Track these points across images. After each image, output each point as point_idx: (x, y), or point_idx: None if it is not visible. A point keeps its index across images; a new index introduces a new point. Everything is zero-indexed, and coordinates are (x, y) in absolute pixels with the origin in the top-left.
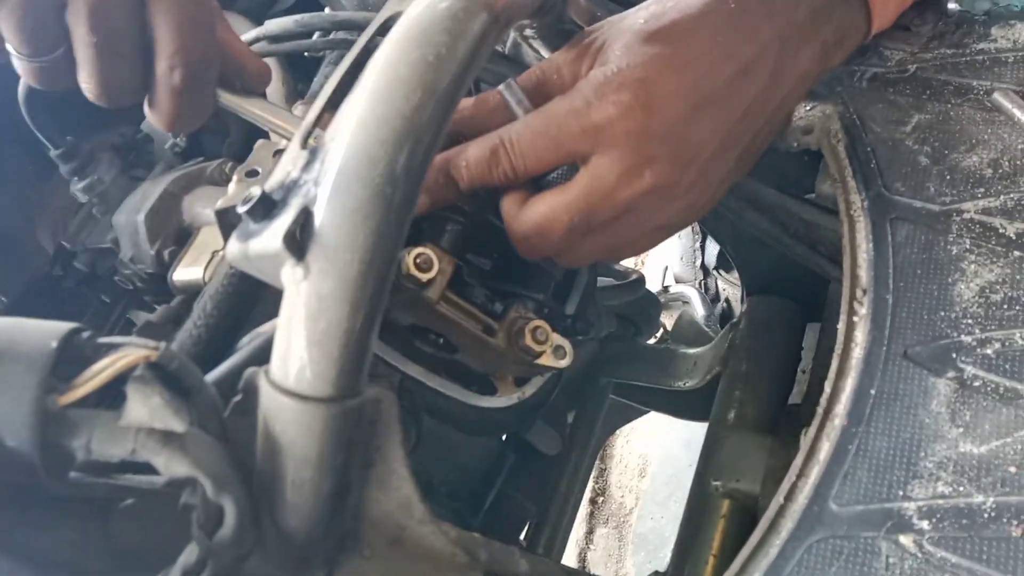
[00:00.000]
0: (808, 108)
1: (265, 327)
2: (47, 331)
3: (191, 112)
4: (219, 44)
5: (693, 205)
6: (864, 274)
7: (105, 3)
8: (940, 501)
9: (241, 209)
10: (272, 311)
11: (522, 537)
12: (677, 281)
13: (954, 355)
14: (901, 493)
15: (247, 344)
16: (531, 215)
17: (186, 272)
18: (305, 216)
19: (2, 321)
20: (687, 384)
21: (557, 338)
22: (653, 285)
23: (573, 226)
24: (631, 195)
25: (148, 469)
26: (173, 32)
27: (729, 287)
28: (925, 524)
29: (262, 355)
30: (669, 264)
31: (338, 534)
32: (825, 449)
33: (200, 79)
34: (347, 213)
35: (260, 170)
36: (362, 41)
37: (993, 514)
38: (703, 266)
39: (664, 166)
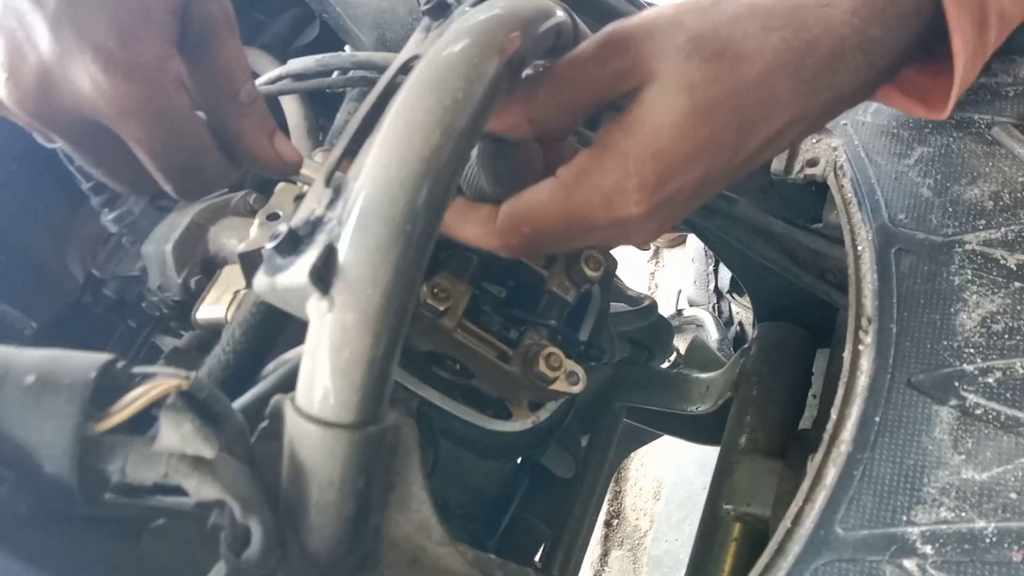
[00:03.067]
0: (814, 141)
1: (290, 354)
2: (86, 363)
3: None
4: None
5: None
6: (869, 304)
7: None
8: (943, 526)
9: (269, 245)
10: (296, 339)
11: (537, 559)
12: (691, 304)
13: (956, 383)
14: (905, 518)
15: (272, 372)
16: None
17: (209, 311)
18: (329, 252)
19: (44, 353)
20: (699, 409)
21: (570, 364)
22: (666, 309)
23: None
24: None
25: (179, 491)
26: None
27: (742, 310)
28: (928, 549)
29: (287, 383)
30: (682, 287)
31: (359, 555)
32: (831, 474)
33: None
34: (369, 249)
35: (281, 213)
36: (383, 82)
37: (995, 539)
38: (716, 289)
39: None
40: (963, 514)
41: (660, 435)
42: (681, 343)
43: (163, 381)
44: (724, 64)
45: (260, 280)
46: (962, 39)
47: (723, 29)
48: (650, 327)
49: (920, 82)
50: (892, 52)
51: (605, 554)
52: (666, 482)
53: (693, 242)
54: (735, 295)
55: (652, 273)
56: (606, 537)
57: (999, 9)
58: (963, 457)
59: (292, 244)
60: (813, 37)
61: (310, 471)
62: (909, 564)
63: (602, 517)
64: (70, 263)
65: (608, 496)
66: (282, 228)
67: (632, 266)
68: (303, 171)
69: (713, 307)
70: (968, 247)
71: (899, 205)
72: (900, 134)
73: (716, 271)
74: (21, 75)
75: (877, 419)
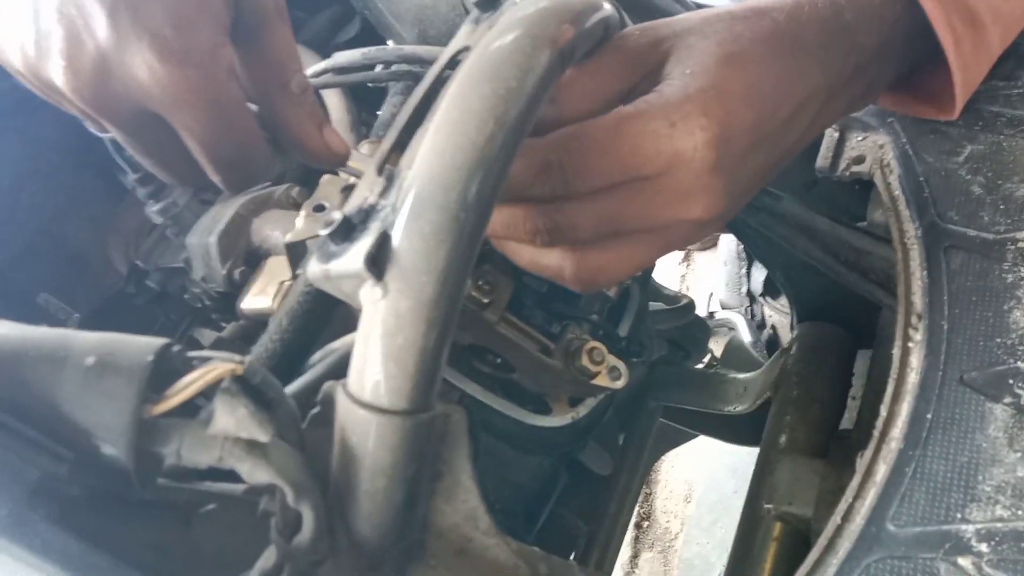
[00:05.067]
0: (860, 138)
1: (337, 343)
2: (143, 346)
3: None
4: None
5: (707, 234)
6: (919, 301)
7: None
8: (999, 524)
9: (323, 231)
10: (339, 330)
11: (572, 557)
12: (723, 307)
13: (1011, 381)
14: (959, 516)
15: (321, 360)
16: (590, 270)
17: (254, 301)
18: (384, 239)
19: (102, 336)
20: (737, 409)
21: (612, 359)
22: (698, 311)
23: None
24: (676, 223)
25: (230, 476)
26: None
27: (775, 314)
28: (984, 547)
29: (338, 370)
30: (714, 291)
31: (406, 544)
32: (882, 471)
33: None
34: (423, 237)
35: (327, 204)
36: (433, 73)
37: None
38: (749, 293)
39: (716, 200)
40: (1020, 512)
41: (695, 435)
42: (714, 346)
43: (218, 365)
44: (737, 27)
45: (313, 267)
46: (951, 35)
47: (725, 16)
48: (687, 327)
49: (931, 84)
50: (874, 37)
51: (635, 556)
52: (697, 485)
53: (724, 245)
54: (768, 298)
55: (683, 276)
56: (636, 539)
57: (991, 6)
58: (1019, 455)
59: (346, 231)
60: (800, 15)
61: (361, 458)
62: (964, 562)
63: (632, 519)
64: (112, 255)
65: (639, 498)
66: (336, 215)
67: (663, 269)
68: (349, 163)
69: (745, 310)
70: (1021, 244)
71: (948, 202)
72: (948, 132)
73: (748, 274)
74: (79, 63)
75: (929, 416)
